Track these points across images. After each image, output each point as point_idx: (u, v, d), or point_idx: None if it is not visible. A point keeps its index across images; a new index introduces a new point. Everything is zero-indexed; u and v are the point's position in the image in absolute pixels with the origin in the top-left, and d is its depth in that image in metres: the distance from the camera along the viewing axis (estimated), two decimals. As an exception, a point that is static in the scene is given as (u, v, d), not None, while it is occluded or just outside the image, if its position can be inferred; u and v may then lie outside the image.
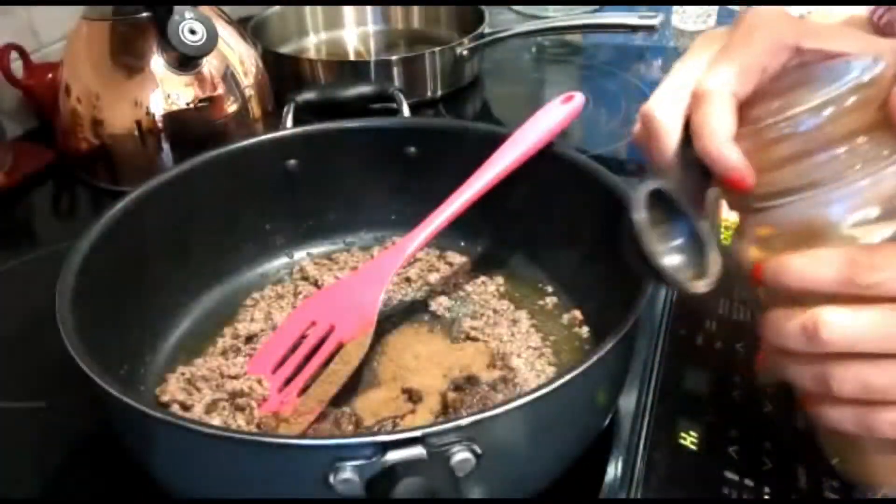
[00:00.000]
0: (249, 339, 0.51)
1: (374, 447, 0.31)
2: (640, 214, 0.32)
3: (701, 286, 0.33)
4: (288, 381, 0.47)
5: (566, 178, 0.52)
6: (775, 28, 0.33)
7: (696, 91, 0.33)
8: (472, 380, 0.46)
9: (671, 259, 0.33)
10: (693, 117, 0.33)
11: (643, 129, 0.36)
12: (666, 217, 0.34)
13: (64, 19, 0.76)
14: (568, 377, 0.34)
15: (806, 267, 0.30)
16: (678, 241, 0.34)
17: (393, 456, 0.31)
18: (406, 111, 0.71)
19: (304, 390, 0.46)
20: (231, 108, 0.71)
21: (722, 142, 0.32)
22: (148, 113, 0.67)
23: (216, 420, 0.44)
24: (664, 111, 0.35)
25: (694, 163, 0.33)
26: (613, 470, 0.43)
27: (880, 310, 0.29)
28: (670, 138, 0.34)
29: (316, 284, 0.56)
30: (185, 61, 0.67)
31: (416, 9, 1.01)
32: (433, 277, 0.56)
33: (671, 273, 0.32)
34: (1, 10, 0.78)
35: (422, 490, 0.30)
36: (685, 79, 0.35)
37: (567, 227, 0.54)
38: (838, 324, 0.30)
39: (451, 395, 0.45)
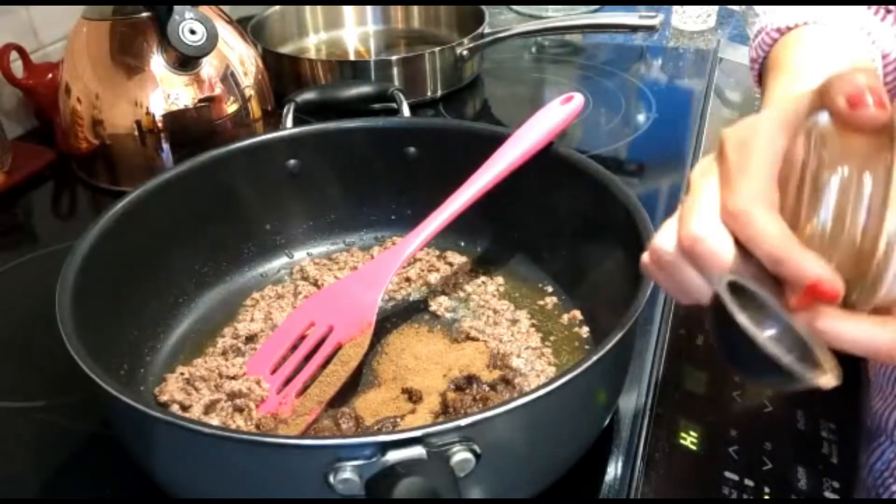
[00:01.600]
0: (249, 339, 0.51)
1: (374, 447, 0.31)
2: (735, 309, 0.27)
3: (828, 380, 0.27)
4: (287, 382, 0.47)
5: (566, 178, 0.52)
6: (765, 136, 0.30)
7: (732, 212, 0.30)
8: (472, 380, 0.46)
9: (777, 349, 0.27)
10: (748, 235, 0.29)
11: (678, 258, 0.31)
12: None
13: (64, 19, 0.76)
14: (568, 377, 0.34)
15: None
16: (772, 333, 0.28)
17: (393, 456, 0.31)
18: (406, 111, 0.71)
19: (302, 391, 0.46)
20: (231, 108, 0.71)
21: (794, 248, 0.28)
22: (148, 113, 0.67)
23: (214, 421, 0.44)
24: (714, 231, 0.30)
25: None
26: (613, 470, 0.43)
27: None
28: (725, 258, 0.30)
29: (316, 284, 0.56)
30: (185, 61, 0.67)
31: (416, 9, 1.01)
32: (433, 277, 0.56)
33: (789, 364, 0.27)
34: (1, 10, 0.77)
35: (422, 490, 0.30)
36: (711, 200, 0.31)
37: (567, 227, 0.54)
38: None
39: (451, 395, 0.45)
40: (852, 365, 0.51)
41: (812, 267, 0.27)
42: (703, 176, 0.32)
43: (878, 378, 0.55)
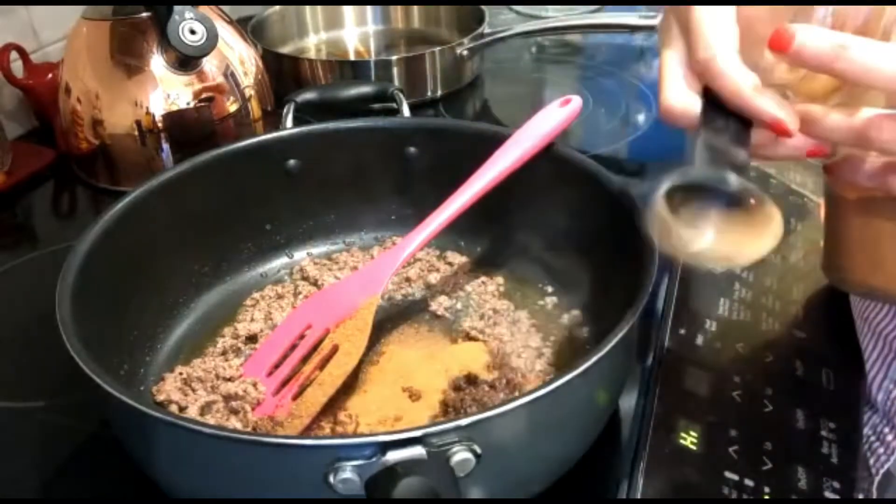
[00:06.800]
0: (249, 339, 0.51)
1: (373, 447, 0.31)
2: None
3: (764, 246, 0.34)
4: (283, 384, 0.47)
5: (566, 178, 0.52)
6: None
7: (698, 61, 0.35)
8: (472, 380, 0.46)
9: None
10: (716, 86, 0.34)
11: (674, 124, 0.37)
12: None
13: (64, 19, 0.76)
14: (568, 377, 0.34)
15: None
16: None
17: (393, 456, 0.31)
18: (406, 111, 0.71)
19: (299, 394, 0.46)
20: (231, 108, 0.71)
21: (752, 94, 0.33)
22: (148, 113, 0.67)
23: (210, 422, 0.44)
24: (679, 99, 0.36)
25: (730, 121, 0.35)
26: (613, 470, 0.43)
27: None
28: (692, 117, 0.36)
29: (316, 284, 0.56)
30: (185, 61, 0.67)
31: (416, 9, 1.01)
32: (433, 277, 0.56)
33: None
34: (1, 10, 0.78)
35: (422, 490, 0.30)
36: (677, 64, 0.37)
37: (567, 227, 0.54)
38: None
39: (451, 395, 0.45)
40: (852, 363, 0.51)
41: (769, 106, 0.33)
42: (667, 49, 0.37)
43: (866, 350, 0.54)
